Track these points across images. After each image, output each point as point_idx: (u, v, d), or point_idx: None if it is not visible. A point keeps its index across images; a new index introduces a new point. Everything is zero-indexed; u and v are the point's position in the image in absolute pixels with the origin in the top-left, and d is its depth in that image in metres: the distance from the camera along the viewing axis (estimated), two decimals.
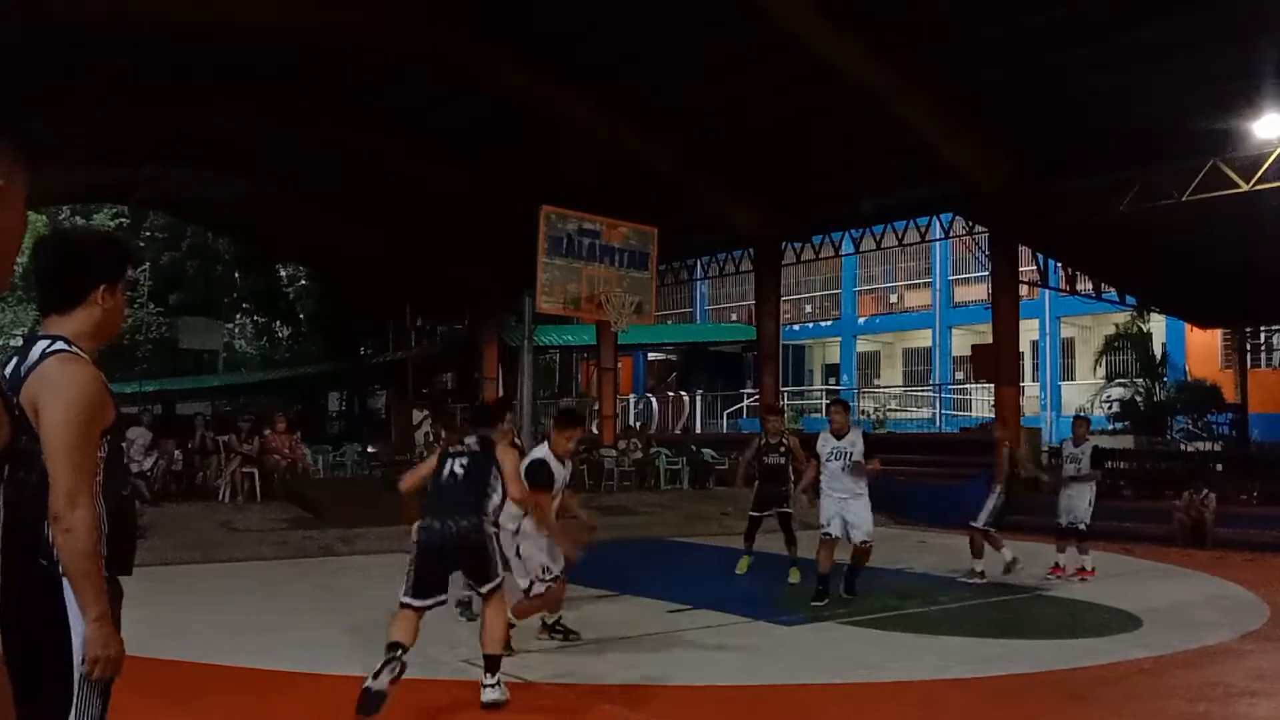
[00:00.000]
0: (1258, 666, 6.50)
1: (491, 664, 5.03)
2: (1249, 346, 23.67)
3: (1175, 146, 13.58)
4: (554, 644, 6.62)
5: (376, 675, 4.55)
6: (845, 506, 8.19)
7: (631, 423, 26.72)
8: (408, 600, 4.96)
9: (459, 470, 5.20)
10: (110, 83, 14.35)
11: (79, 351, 2.21)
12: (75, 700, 2.10)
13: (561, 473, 6.33)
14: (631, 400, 30.83)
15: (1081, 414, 11.72)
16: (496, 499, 5.27)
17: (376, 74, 15.80)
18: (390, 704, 4.56)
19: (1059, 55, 12.85)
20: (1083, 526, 9.69)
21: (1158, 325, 23.80)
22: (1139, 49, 12.27)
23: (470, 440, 5.43)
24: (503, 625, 5.18)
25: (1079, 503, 9.78)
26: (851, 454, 8.18)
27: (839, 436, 8.35)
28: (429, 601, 5.00)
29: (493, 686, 4.99)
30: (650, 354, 33.76)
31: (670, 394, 30.63)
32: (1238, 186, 13.47)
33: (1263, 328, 23.78)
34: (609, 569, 9.88)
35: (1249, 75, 12.16)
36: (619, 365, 24.45)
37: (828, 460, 8.30)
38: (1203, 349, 23.87)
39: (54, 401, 2.11)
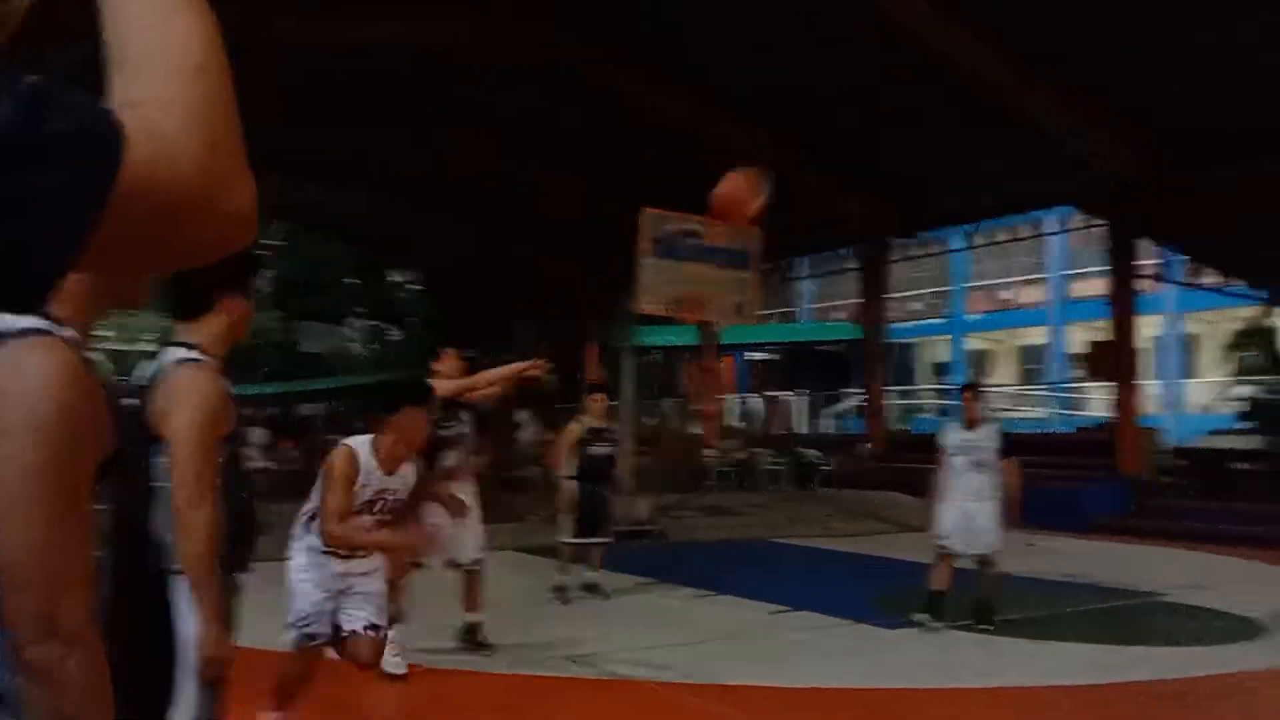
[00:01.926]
0: None
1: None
2: None
3: None
4: (652, 641, 6.67)
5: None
6: (971, 513, 7.14)
7: (733, 423, 26.65)
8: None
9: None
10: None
11: (206, 358, 2.32)
12: (187, 696, 2.21)
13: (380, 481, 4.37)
14: (733, 400, 30.73)
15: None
16: None
17: (487, 84, 16.16)
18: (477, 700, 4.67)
19: (1188, 40, 12.33)
20: None
21: None
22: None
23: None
24: None
25: None
26: (985, 449, 7.17)
27: (970, 428, 7.30)
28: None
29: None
30: (753, 354, 33.59)
31: (773, 394, 30.42)
32: None
33: None
34: (708, 569, 9.93)
35: None
36: (721, 365, 24.40)
37: (954, 455, 7.25)
38: None
39: (178, 409, 2.23)
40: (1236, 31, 12.03)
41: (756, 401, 30.32)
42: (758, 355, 34.00)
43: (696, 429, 21.11)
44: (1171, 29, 12.20)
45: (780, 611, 7.74)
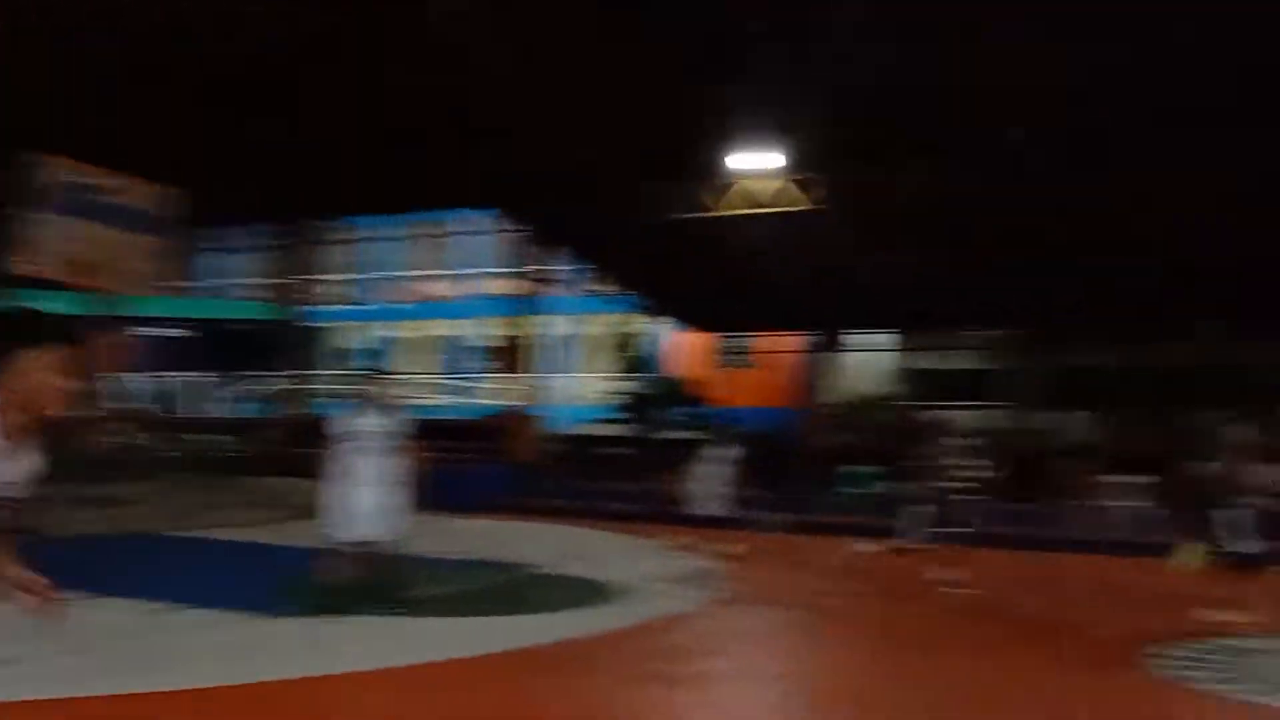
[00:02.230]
0: (721, 628, 7.59)
1: None
2: (732, 350, 27.07)
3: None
4: (13, 654, 5.80)
5: None
6: (370, 498, 7.13)
7: (130, 404, 24.23)
8: None
9: None
10: None
11: None
12: None
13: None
14: (132, 379, 27.92)
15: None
16: None
17: None
18: None
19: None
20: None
21: (659, 327, 26.52)
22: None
23: None
24: None
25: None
26: (388, 435, 7.23)
27: (368, 414, 7.30)
28: None
29: None
30: (160, 329, 30.84)
31: (179, 373, 28.28)
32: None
33: (750, 333, 27.14)
34: (88, 568, 8.88)
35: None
36: (123, 339, 22.10)
37: (350, 441, 7.21)
38: (695, 351, 26.93)
39: None
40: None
41: (159, 381, 27.93)
42: (167, 331, 31.33)
43: (84, 410, 18.80)
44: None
45: (168, 609, 7.21)
